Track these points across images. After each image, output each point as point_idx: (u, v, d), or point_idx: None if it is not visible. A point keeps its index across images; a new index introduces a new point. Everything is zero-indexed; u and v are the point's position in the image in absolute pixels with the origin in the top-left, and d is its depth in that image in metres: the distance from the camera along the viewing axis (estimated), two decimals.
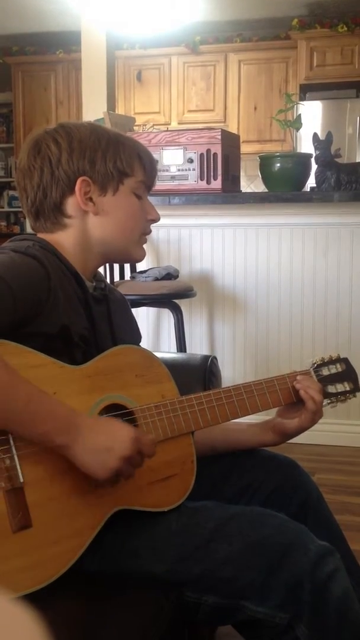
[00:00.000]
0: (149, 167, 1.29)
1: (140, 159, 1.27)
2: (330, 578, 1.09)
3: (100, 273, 1.34)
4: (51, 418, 1.02)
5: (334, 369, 1.40)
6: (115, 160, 1.24)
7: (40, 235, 1.26)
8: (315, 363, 1.40)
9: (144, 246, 1.34)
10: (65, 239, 1.24)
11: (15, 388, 1.00)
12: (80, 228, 1.25)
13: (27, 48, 6.89)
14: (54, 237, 1.24)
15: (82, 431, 1.04)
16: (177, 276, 3.18)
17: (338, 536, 1.37)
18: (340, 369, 1.41)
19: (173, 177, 3.16)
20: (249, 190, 6.01)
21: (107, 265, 3.07)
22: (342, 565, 1.13)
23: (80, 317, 1.20)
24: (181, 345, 3.07)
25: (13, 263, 1.09)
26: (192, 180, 3.17)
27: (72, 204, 1.23)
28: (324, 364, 1.40)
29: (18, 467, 1.02)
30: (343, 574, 1.12)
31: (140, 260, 1.36)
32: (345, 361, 1.43)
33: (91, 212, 1.24)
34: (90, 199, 1.24)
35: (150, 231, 1.34)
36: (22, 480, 1.02)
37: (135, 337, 1.42)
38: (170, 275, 3.12)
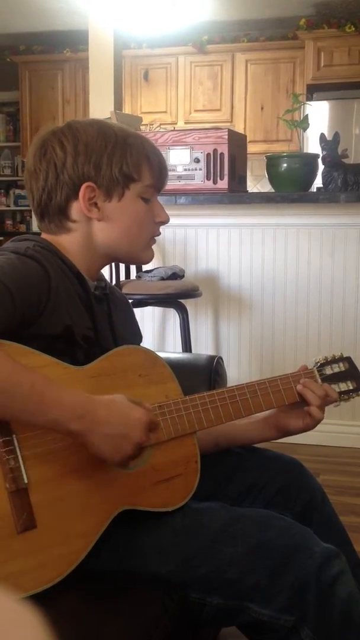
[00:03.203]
0: (157, 168, 1.26)
1: (149, 161, 1.25)
2: (335, 580, 1.09)
3: (101, 272, 1.33)
4: (61, 404, 1.01)
5: (337, 368, 1.40)
6: (121, 165, 1.21)
7: (44, 235, 1.26)
8: (318, 362, 1.40)
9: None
10: (68, 242, 1.24)
11: (18, 374, 1.00)
12: (84, 232, 1.24)
13: (34, 47, 6.90)
14: (58, 239, 1.24)
15: (98, 418, 1.04)
16: (183, 276, 3.18)
17: (343, 538, 1.37)
18: (343, 368, 1.41)
19: (179, 177, 3.16)
20: (255, 190, 6.00)
21: (113, 264, 3.07)
22: (347, 568, 1.13)
23: (82, 317, 1.20)
24: (187, 346, 3.07)
25: (12, 265, 1.09)
26: (199, 180, 3.17)
27: (76, 209, 1.22)
28: (327, 362, 1.40)
29: (22, 468, 1.02)
30: (348, 576, 1.12)
31: (147, 262, 1.35)
32: (348, 360, 1.42)
33: (95, 218, 1.23)
34: (95, 205, 1.22)
35: (159, 233, 1.31)
36: (26, 481, 1.02)
37: (136, 336, 1.42)
38: (176, 275, 3.12)
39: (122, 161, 1.21)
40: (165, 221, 1.30)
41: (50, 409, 1.00)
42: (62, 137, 1.22)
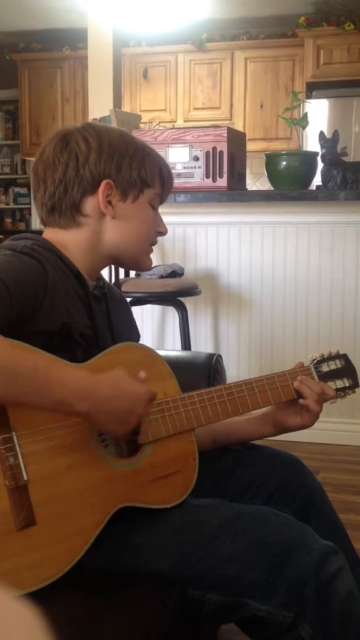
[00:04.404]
0: (167, 181, 1.32)
1: (161, 172, 1.30)
2: (334, 577, 1.09)
3: (100, 272, 1.34)
4: (65, 385, 1.01)
5: (334, 365, 1.41)
6: (140, 169, 1.25)
7: (50, 230, 1.27)
8: (314, 359, 1.40)
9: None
10: (75, 238, 1.24)
11: (20, 356, 1.00)
12: (94, 229, 1.25)
13: (33, 45, 6.90)
14: (64, 234, 1.25)
15: (103, 396, 1.05)
16: (182, 274, 3.18)
17: (342, 535, 1.37)
18: (339, 365, 1.41)
19: (179, 175, 3.16)
20: (254, 188, 6.00)
21: None
22: (346, 565, 1.13)
23: (81, 316, 1.20)
24: (186, 343, 3.07)
25: (9, 262, 1.09)
26: (198, 178, 3.17)
27: (90, 204, 1.24)
28: (324, 360, 1.40)
29: (22, 465, 1.02)
30: (347, 573, 1.12)
31: (146, 270, 1.38)
32: (344, 357, 1.43)
33: (109, 215, 1.24)
34: (110, 203, 1.24)
35: (156, 242, 1.36)
36: (26, 478, 1.02)
37: (134, 335, 1.43)
38: (176, 273, 3.12)
39: (141, 166, 1.26)
40: (164, 232, 1.35)
41: (54, 390, 1.00)
42: (86, 133, 1.24)
